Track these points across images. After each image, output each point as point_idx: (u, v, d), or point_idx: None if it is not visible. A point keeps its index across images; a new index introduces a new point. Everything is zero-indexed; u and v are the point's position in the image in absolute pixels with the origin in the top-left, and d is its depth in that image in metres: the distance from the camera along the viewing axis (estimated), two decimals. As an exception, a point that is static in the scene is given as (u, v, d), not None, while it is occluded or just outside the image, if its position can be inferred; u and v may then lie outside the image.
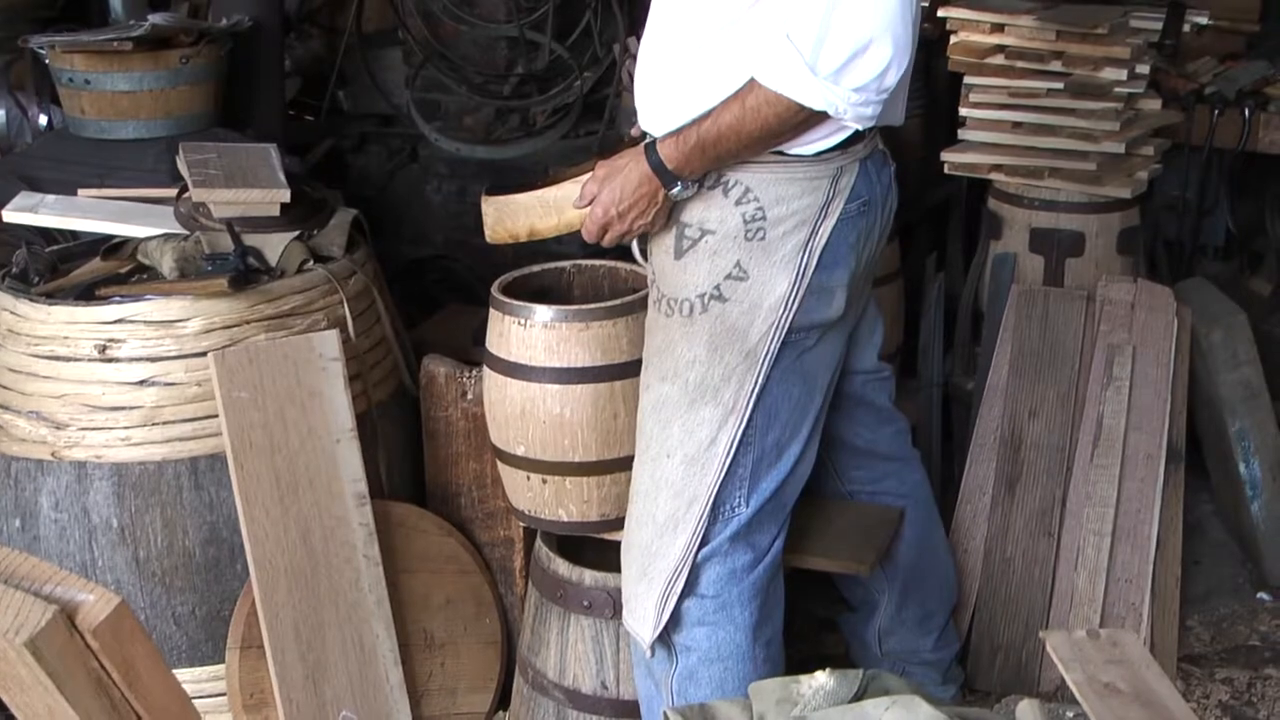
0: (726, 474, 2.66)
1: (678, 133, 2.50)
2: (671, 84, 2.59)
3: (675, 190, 2.55)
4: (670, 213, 2.61)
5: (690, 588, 2.72)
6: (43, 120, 4.77)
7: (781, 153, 2.53)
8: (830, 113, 2.42)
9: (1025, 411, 3.64)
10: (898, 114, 2.65)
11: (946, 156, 3.98)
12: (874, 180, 2.64)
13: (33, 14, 5.99)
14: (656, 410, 2.72)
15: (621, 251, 4.33)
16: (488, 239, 2.86)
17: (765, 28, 2.42)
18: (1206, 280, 4.26)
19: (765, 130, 2.45)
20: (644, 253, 2.79)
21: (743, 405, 2.63)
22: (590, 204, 2.60)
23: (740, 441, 2.65)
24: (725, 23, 2.49)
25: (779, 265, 2.56)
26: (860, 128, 2.49)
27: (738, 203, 2.56)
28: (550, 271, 3.23)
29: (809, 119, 2.44)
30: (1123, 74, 3.82)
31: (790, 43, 2.36)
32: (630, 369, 2.91)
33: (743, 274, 2.57)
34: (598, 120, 4.76)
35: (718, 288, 2.60)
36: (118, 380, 3.08)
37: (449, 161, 4.90)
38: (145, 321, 3.08)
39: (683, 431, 2.68)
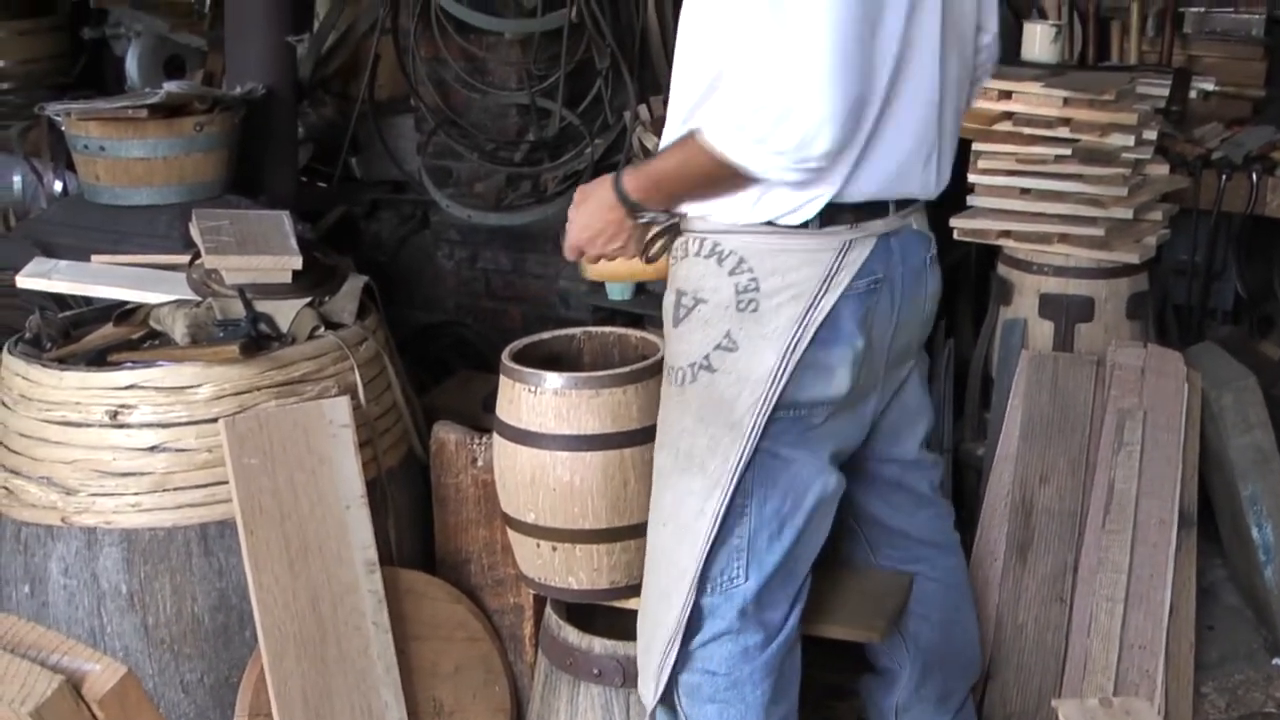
0: (716, 544, 2.63)
1: (640, 166, 2.57)
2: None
3: (644, 218, 2.59)
4: (671, 278, 2.64)
5: (703, 663, 2.70)
6: (58, 186, 4.82)
7: (773, 224, 2.51)
8: (756, 174, 2.40)
9: (1036, 477, 3.63)
10: (915, 184, 2.59)
11: (955, 223, 3.99)
12: (896, 258, 2.60)
13: (49, 80, 6.08)
14: (656, 478, 2.72)
15: (632, 318, 4.37)
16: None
17: (723, 88, 2.46)
18: (1216, 345, 4.26)
19: (705, 177, 2.45)
20: None
21: (728, 477, 2.59)
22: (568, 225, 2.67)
23: (728, 513, 2.61)
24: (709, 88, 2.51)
25: (769, 338, 2.53)
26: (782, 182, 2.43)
27: (731, 272, 2.54)
28: (560, 339, 3.24)
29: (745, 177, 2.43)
30: (1130, 140, 3.83)
31: (729, 100, 2.39)
32: (640, 436, 2.91)
33: (732, 344, 2.55)
34: (608, 186, 4.77)
35: (707, 357, 2.58)
36: (129, 446, 3.09)
37: (460, 228, 4.93)
38: (157, 388, 3.09)
39: (674, 501, 2.67)
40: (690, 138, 2.44)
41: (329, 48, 5.35)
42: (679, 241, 2.63)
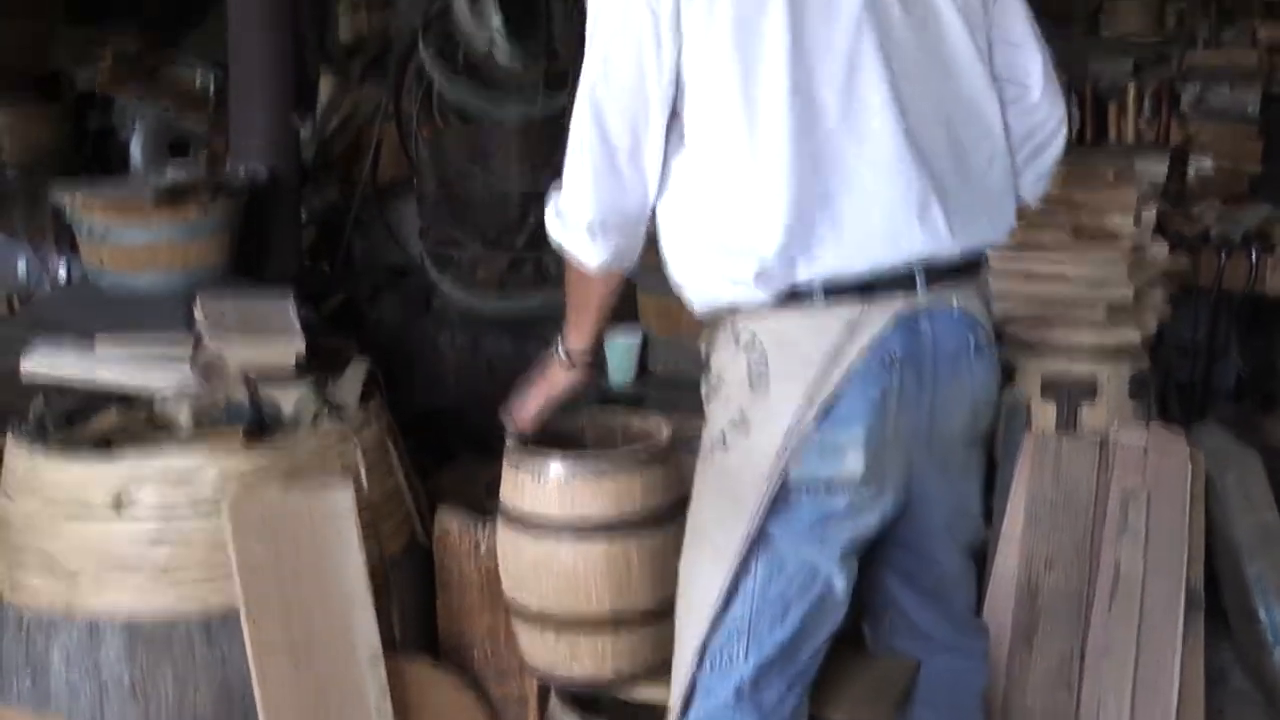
0: (718, 621, 2.61)
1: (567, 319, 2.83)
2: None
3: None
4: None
5: None
6: (62, 271, 4.83)
7: (782, 300, 2.49)
8: (565, 248, 2.59)
9: (1041, 561, 3.62)
10: (919, 243, 2.48)
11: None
12: (926, 340, 2.52)
13: (57, 167, 6.12)
14: (681, 552, 2.72)
15: (634, 402, 4.36)
16: None
17: None
18: (1219, 424, 4.25)
19: (572, 279, 2.67)
20: None
21: (734, 553, 2.55)
22: None
23: (731, 590, 2.58)
24: None
25: (776, 414, 2.50)
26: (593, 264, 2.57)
27: (745, 349, 2.54)
28: (564, 421, 3.24)
29: (585, 270, 2.60)
30: (1130, 220, 3.84)
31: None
32: (644, 520, 2.91)
33: (743, 421, 2.55)
34: (610, 270, 4.79)
35: (723, 433, 2.59)
36: (131, 534, 3.08)
37: (462, 312, 4.94)
38: (160, 475, 3.08)
39: (687, 574, 2.67)
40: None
41: (332, 131, 5.39)
42: (717, 333, 2.64)
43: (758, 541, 2.56)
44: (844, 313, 2.48)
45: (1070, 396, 3.90)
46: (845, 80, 2.44)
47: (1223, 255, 4.54)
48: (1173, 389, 4.62)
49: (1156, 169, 4.50)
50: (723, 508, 2.58)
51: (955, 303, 2.57)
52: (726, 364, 2.58)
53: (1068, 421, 3.90)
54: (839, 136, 2.45)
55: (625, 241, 2.56)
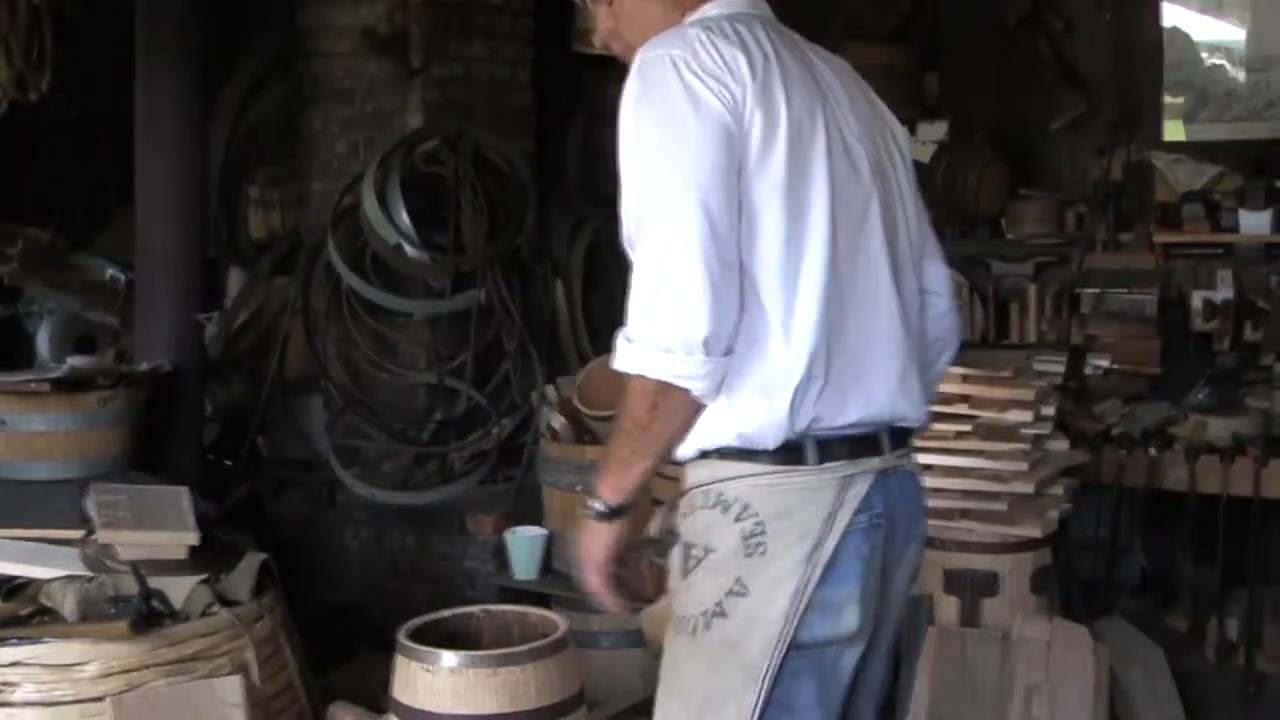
0: None
1: (605, 463, 2.52)
2: None
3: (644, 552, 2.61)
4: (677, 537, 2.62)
5: None
6: (-41, 460, 4.74)
7: (772, 463, 2.48)
8: (649, 375, 2.37)
9: (946, 755, 3.59)
10: (902, 406, 2.56)
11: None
12: (894, 495, 2.57)
13: (-42, 359, 6.05)
14: None
15: (539, 597, 4.32)
16: None
17: None
18: (1123, 618, 4.28)
19: (640, 414, 2.43)
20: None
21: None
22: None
23: None
24: None
25: (780, 579, 2.48)
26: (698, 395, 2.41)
27: (737, 519, 2.51)
28: (459, 617, 3.20)
29: (679, 398, 2.41)
30: (1028, 416, 3.90)
31: (626, 331, 2.40)
32: (540, 716, 2.85)
33: (743, 589, 2.52)
34: (515, 466, 4.79)
35: (719, 604, 2.55)
36: (10, 727, 2.99)
37: (367, 507, 4.90)
38: (42, 665, 3.01)
39: None
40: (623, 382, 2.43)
41: (239, 326, 5.38)
42: (685, 499, 2.59)
43: (769, 705, 2.54)
44: (836, 473, 2.51)
45: (972, 590, 3.91)
46: (862, 240, 2.52)
47: (1124, 452, 4.61)
48: (1076, 584, 4.63)
49: (1054, 367, 4.60)
50: (730, 675, 2.55)
51: (908, 465, 2.64)
52: (714, 536, 2.54)
53: (970, 616, 3.91)
54: (856, 291, 2.51)
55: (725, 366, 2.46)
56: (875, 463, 2.55)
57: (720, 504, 2.54)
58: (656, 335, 2.37)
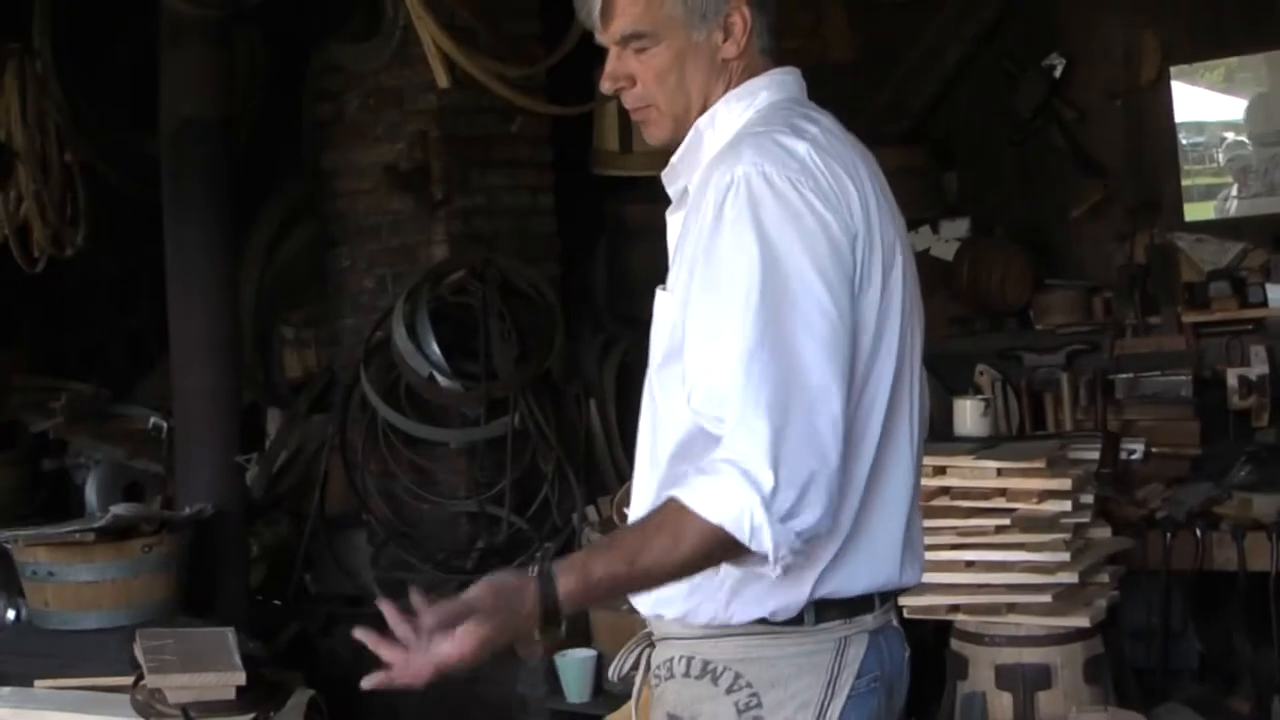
0: None
1: (580, 560, 2.12)
2: None
3: (549, 632, 2.20)
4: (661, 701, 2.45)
5: None
6: (10, 615, 4.78)
7: (765, 623, 2.27)
8: (769, 557, 2.05)
9: None
10: (908, 571, 2.35)
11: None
12: (885, 656, 2.38)
13: (12, 511, 6.10)
14: None
15: (589, 719, 4.28)
16: None
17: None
18: (1182, 704, 4.22)
19: (684, 567, 2.12)
20: None
21: None
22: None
23: None
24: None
25: None
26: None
27: (729, 691, 2.30)
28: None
29: (741, 559, 2.11)
30: (1067, 505, 3.88)
31: (735, 467, 2.05)
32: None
33: None
34: (561, 588, 4.78)
35: None
36: None
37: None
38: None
39: None
40: (672, 517, 2.07)
41: (280, 466, 5.43)
42: (659, 658, 2.39)
43: None
44: (832, 634, 2.33)
45: (1025, 685, 3.87)
46: (905, 373, 2.31)
47: (1168, 536, 4.57)
48: (1130, 673, 4.57)
49: (1089, 454, 4.57)
50: None
51: (893, 620, 2.47)
52: (704, 711, 2.32)
53: (1025, 710, 3.87)
54: (894, 437, 2.30)
55: None
56: (869, 621, 2.35)
57: (709, 674, 2.32)
58: (799, 521, 2.05)
